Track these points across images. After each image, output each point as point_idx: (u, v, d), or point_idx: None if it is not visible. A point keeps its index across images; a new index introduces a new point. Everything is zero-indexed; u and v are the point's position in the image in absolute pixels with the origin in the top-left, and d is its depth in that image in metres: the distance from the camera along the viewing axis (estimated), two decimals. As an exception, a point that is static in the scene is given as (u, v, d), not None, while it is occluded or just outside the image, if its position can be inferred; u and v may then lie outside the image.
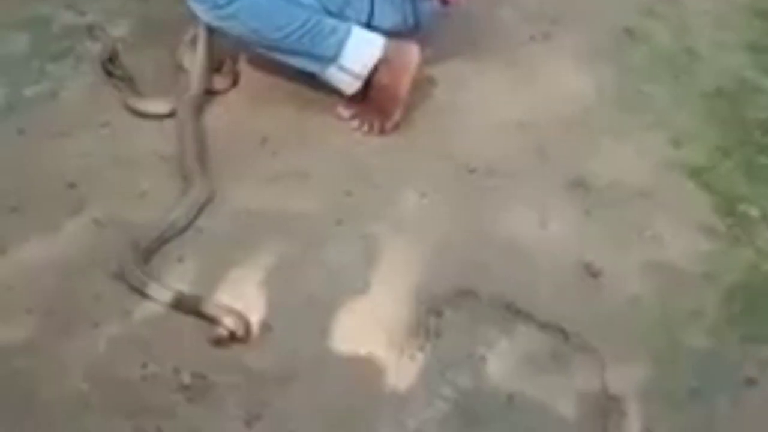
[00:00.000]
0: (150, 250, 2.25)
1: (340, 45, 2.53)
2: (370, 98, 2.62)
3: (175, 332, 2.10)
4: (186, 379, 2.01)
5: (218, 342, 2.06)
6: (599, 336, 2.19)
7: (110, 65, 2.69)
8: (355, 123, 2.63)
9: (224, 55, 2.72)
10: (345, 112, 2.64)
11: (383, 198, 2.46)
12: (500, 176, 2.55)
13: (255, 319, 2.13)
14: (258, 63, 2.72)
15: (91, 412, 1.95)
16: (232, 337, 2.06)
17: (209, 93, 2.65)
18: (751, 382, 2.17)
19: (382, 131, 2.62)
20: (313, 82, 2.63)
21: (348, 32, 2.53)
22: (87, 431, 1.92)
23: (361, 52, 2.55)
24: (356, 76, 2.57)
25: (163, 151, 2.50)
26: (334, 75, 2.57)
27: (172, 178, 2.43)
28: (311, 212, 2.40)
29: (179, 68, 2.66)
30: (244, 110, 2.65)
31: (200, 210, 2.35)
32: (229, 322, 2.07)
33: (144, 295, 2.15)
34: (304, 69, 2.58)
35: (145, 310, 2.14)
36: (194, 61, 2.61)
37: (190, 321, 2.12)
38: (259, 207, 2.38)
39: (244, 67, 2.75)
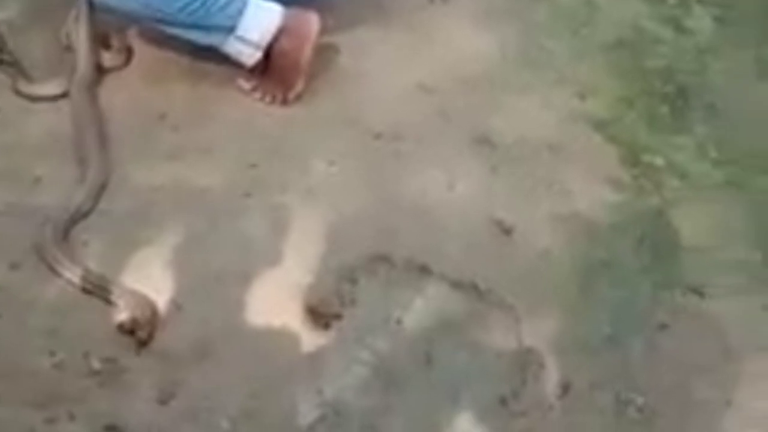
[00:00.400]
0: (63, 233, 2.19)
1: (238, 15, 2.47)
2: (271, 68, 2.57)
3: (82, 318, 2.04)
4: (96, 364, 1.96)
5: (121, 329, 2.01)
6: (513, 291, 2.20)
7: None
8: (257, 94, 2.58)
9: (113, 31, 2.64)
10: (246, 84, 2.60)
11: (290, 168, 2.43)
12: (406, 140, 2.54)
13: (164, 298, 2.08)
14: (150, 37, 2.64)
15: (1, 405, 1.89)
16: (133, 327, 2.01)
17: (101, 71, 2.58)
18: (663, 327, 2.20)
19: (285, 101, 2.58)
20: (211, 54, 2.57)
21: (245, 2, 2.48)
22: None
23: (259, 21, 2.50)
24: (256, 47, 2.52)
25: (56, 135, 2.41)
26: (233, 46, 2.52)
27: (67, 162, 2.35)
28: (217, 187, 2.35)
29: (67, 48, 2.57)
30: (139, 87, 2.57)
31: (101, 191, 2.29)
32: (127, 315, 2.01)
33: (58, 275, 2.10)
34: (201, 42, 2.52)
35: (50, 298, 2.08)
36: (78, 39, 2.53)
37: (97, 306, 2.06)
38: (163, 184, 2.32)
39: (136, 42, 2.67)
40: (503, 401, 2.04)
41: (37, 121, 2.46)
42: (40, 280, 2.10)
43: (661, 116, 2.72)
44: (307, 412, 1.96)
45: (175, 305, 2.08)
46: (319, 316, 2.12)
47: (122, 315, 2.01)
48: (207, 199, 2.31)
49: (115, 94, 2.55)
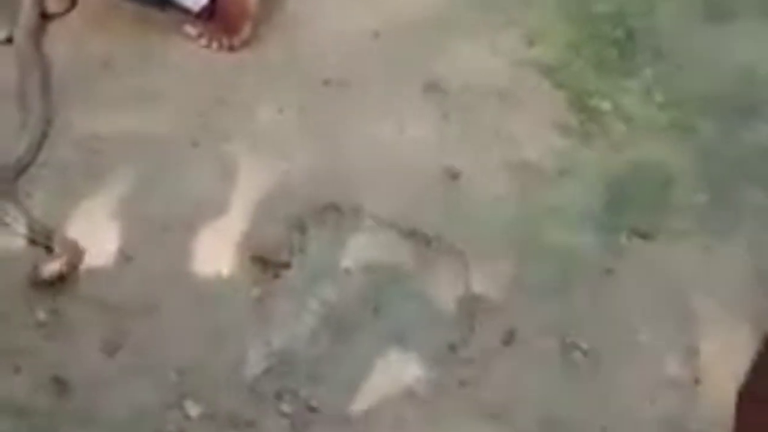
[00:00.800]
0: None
1: None
2: (218, 14, 2.53)
3: (26, 272, 2.02)
4: (41, 316, 1.95)
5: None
6: (461, 238, 2.21)
7: None
8: (203, 41, 2.54)
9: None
10: (192, 30, 2.55)
11: (238, 116, 2.40)
12: (355, 86, 2.52)
13: (111, 249, 2.07)
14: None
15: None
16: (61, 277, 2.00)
17: (45, 17, 2.52)
18: (609, 271, 2.22)
19: (231, 48, 2.54)
20: (157, 1, 2.53)
21: None
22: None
23: None
24: None
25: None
26: None
27: (8, 108, 2.32)
28: (163, 135, 2.32)
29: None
30: (84, 33, 2.52)
31: (43, 140, 2.25)
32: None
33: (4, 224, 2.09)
34: None
35: (-7, 250, 2.06)
36: None
37: (41, 257, 2.04)
38: (108, 133, 2.29)
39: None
40: (451, 348, 2.06)
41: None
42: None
43: (609, 61, 2.71)
44: (255, 363, 1.97)
45: (123, 256, 2.07)
46: (267, 265, 2.12)
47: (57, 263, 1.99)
48: (153, 148, 2.29)
49: (59, 40, 2.50)
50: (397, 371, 2.02)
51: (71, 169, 2.22)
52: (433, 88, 2.54)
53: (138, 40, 2.52)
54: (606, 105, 2.57)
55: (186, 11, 2.52)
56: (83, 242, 2.07)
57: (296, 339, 2.01)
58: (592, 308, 2.15)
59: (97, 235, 2.09)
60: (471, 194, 2.32)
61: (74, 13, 2.58)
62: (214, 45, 2.54)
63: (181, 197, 2.20)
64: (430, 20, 2.73)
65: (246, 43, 2.55)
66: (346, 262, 2.15)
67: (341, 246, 2.18)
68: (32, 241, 2.07)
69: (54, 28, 2.54)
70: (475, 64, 2.62)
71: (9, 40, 2.46)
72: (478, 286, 2.15)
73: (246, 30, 2.54)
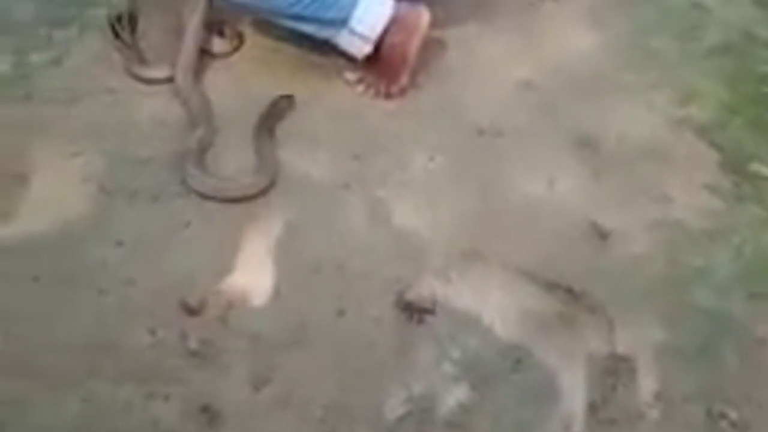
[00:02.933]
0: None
1: (351, 8, 2.49)
2: (378, 61, 2.59)
3: (181, 300, 2.09)
4: (193, 344, 2.01)
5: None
6: (607, 296, 2.19)
7: (118, 25, 2.67)
8: (361, 87, 2.61)
9: (228, 18, 2.69)
10: (352, 76, 2.62)
11: (391, 162, 2.45)
12: (508, 137, 2.54)
13: (264, 284, 2.13)
14: (263, 27, 2.70)
15: (101, 378, 1.96)
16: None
17: (210, 56, 2.64)
18: (761, 341, 2.16)
19: (389, 95, 2.60)
20: (320, 45, 2.61)
21: None
22: (97, 398, 1.93)
23: (371, 14, 2.52)
24: (366, 39, 2.54)
25: (165, 118, 2.48)
26: (344, 39, 2.55)
27: (174, 145, 2.41)
28: (318, 177, 2.38)
29: (182, 33, 2.63)
30: (247, 74, 2.62)
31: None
32: None
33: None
34: (314, 35, 2.55)
35: (150, 277, 2.13)
36: (189, 24, 2.59)
37: (196, 288, 2.11)
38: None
39: (248, 31, 2.73)
40: (593, 407, 2.03)
41: (149, 103, 2.52)
42: (142, 259, 2.16)
43: (767, 123, 2.66)
44: (396, 407, 1.98)
45: (274, 291, 2.13)
46: (412, 310, 2.14)
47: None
48: (307, 189, 2.35)
49: (222, 80, 2.61)
50: (536, 427, 2.00)
51: (230, 204, 2.30)
52: (585, 142, 2.55)
53: (299, 84, 2.60)
54: (763, 168, 2.52)
55: (349, 57, 2.58)
56: (238, 274, 2.14)
57: (436, 386, 2.02)
58: (741, 377, 2.09)
59: (250, 268, 2.16)
60: (618, 252, 2.30)
61: (239, 55, 2.69)
62: (372, 92, 2.60)
63: (331, 238, 2.25)
64: (585, 74, 2.75)
65: (403, 92, 2.60)
66: (490, 311, 2.15)
67: (485, 295, 2.19)
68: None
69: (217, 68, 2.65)
70: (629, 121, 2.62)
71: (170, 80, 2.57)
72: (623, 345, 2.12)
73: (404, 78, 2.59)
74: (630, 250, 2.31)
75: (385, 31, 2.54)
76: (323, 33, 2.54)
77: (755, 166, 2.54)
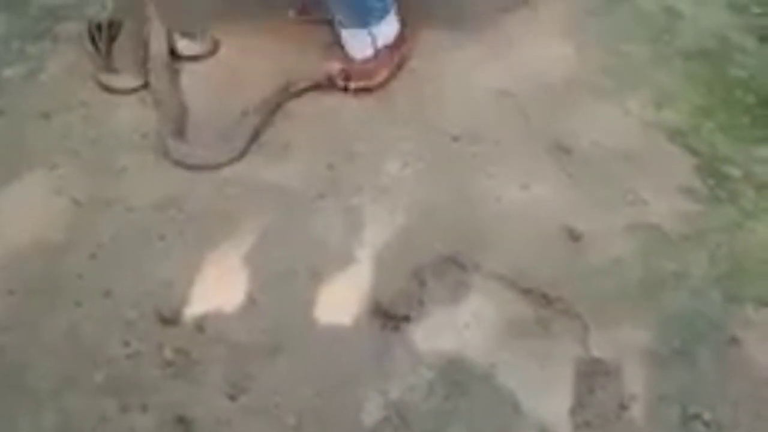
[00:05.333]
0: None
1: (383, 13, 2.59)
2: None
3: (159, 310, 2.10)
4: (169, 355, 2.01)
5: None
6: (582, 299, 2.20)
7: (97, 34, 2.67)
8: (341, 80, 2.63)
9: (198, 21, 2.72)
10: (335, 67, 2.64)
11: (365, 169, 2.46)
12: (483, 143, 2.54)
13: (240, 292, 2.14)
14: (236, 31, 2.71)
15: (77, 390, 1.96)
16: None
17: (181, 59, 2.66)
18: (734, 340, 2.17)
19: (367, 89, 2.64)
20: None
21: (390, 3, 2.61)
22: (74, 410, 1.93)
23: (390, 28, 2.64)
24: (374, 47, 2.62)
25: (141, 129, 2.49)
26: (358, 36, 2.60)
27: (151, 154, 2.42)
28: (293, 186, 2.39)
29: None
30: (222, 81, 2.63)
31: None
32: None
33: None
34: (343, 18, 2.61)
35: (125, 289, 2.14)
36: (151, 29, 2.61)
37: (171, 299, 2.12)
38: (239, 180, 2.39)
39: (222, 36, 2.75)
40: (569, 411, 2.03)
41: (122, 114, 2.53)
42: (117, 271, 2.17)
43: (741, 127, 2.67)
44: (372, 412, 1.99)
45: (250, 299, 2.13)
46: (387, 316, 2.14)
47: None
48: (282, 198, 2.36)
49: (197, 90, 2.60)
50: (512, 431, 2.01)
51: (204, 213, 2.31)
52: (560, 147, 2.55)
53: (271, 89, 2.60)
54: (736, 171, 2.53)
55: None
56: (213, 284, 2.14)
57: (413, 392, 2.02)
58: (716, 377, 2.10)
59: (225, 278, 2.16)
60: (593, 256, 2.31)
61: (213, 63, 2.70)
62: (352, 85, 2.62)
63: (307, 247, 2.26)
64: (559, 79, 2.75)
65: (380, 86, 2.64)
66: (465, 317, 2.16)
67: (460, 301, 2.19)
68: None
69: (192, 78, 2.65)
70: (604, 126, 2.62)
71: (144, 86, 2.58)
72: (597, 349, 2.13)
73: (384, 74, 2.64)
74: (605, 253, 2.31)
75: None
76: (355, 20, 2.60)
77: (729, 169, 2.55)
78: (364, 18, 2.59)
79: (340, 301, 2.16)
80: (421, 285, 2.21)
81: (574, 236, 2.33)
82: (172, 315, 2.08)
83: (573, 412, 2.03)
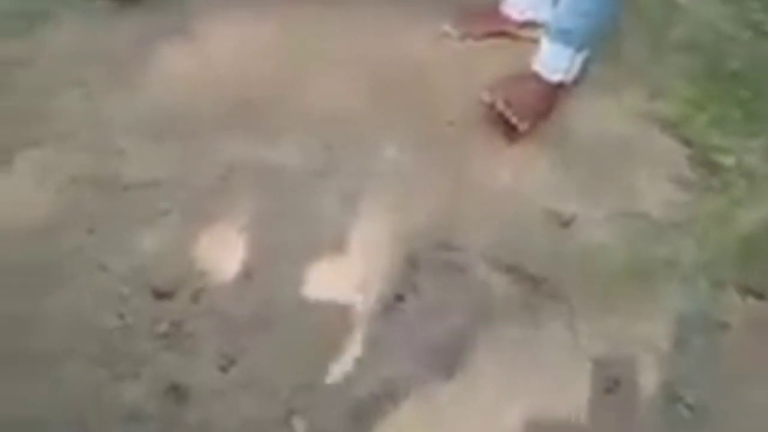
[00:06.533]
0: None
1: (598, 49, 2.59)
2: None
3: (153, 282, 2.13)
4: (163, 327, 2.05)
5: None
6: (569, 283, 2.23)
7: None
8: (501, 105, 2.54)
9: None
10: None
11: (362, 153, 2.49)
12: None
13: (236, 265, 2.18)
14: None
15: (73, 361, 1.99)
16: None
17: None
18: (723, 326, 2.20)
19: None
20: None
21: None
22: (69, 380, 1.96)
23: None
24: (569, 75, 2.59)
25: (137, 111, 2.52)
26: (567, 53, 2.55)
27: (149, 137, 2.45)
28: (291, 166, 2.42)
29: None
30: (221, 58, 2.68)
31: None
32: None
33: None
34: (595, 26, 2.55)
35: (122, 264, 2.17)
36: None
37: (169, 275, 2.15)
38: (240, 161, 2.41)
39: (220, 24, 2.78)
40: (553, 392, 2.06)
41: (122, 96, 2.55)
42: (114, 246, 2.20)
43: (733, 119, 2.70)
44: (363, 389, 2.02)
45: (245, 274, 2.17)
46: (380, 296, 2.17)
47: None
48: (280, 178, 2.39)
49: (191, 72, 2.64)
50: (501, 411, 2.03)
51: (205, 190, 2.34)
52: (554, 135, 2.58)
53: (273, 75, 2.65)
54: (728, 161, 2.56)
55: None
56: (208, 260, 2.18)
57: (404, 370, 2.05)
58: (702, 362, 2.13)
59: (221, 253, 2.20)
60: (582, 241, 2.34)
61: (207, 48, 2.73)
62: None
63: (304, 225, 2.29)
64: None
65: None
66: (456, 299, 2.19)
67: (452, 283, 2.22)
68: None
69: (190, 62, 2.68)
70: (597, 116, 2.66)
71: None
72: (583, 331, 2.16)
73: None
74: (594, 239, 2.35)
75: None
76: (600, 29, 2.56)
77: (721, 160, 2.58)
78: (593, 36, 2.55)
79: (334, 279, 2.20)
80: (413, 268, 2.24)
81: (564, 221, 2.37)
82: (166, 289, 2.11)
83: (557, 393, 2.06)
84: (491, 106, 2.55)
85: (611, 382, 2.09)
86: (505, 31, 2.83)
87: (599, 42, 2.60)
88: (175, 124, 2.49)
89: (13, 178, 2.34)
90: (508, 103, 2.53)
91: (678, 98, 2.73)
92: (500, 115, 2.53)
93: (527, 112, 2.54)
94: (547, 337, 2.15)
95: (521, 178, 2.46)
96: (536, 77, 2.59)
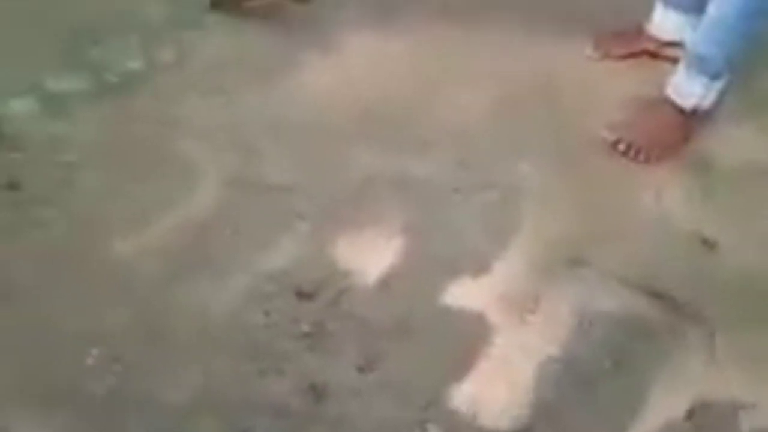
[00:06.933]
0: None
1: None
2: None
3: (295, 286, 2.20)
4: (305, 327, 2.10)
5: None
6: (711, 306, 2.21)
7: None
8: (622, 147, 2.57)
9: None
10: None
11: (498, 166, 2.52)
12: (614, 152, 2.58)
13: (376, 274, 2.23)
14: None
15: (220, 353, 2.06)
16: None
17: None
18: None
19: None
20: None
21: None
22: (217, 372, 2.04)
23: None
24: (709, 102, 2.57)
25: (283, 116, 2.60)
26: (703, 83, 2.54)
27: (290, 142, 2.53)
28: (428, 180, 2.47)
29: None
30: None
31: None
32: None
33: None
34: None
35: (267, 264, 2.24)
36: None
37: (310, 275, 2.21)
38: (394, 174, 2.48)
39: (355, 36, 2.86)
40: (689, 414, 2.05)
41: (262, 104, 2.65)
42: (259, 247, 2.27)
43: None
44: (494, 399, 2.03)
45: (384, 282, 2.21)
46: (513, 309, 2.19)
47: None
48: (418, 191, 2.43)
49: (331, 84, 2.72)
50: (633, 428, 2.03)
51: (345, 199, 2.40)
52: (695, 163, 2.57)
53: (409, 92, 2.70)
54: None
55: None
56: (349, 265, 2.23)
57: (539, 381, 2.07)
58: None
59: (361, 259, 2.25)
60: (726, 266, 2.32)
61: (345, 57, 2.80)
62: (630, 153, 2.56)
63: (440, 237, 2.33)
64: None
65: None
66: (592, 314, 2.20)
67: (588, 299, 2.23)
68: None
69: (330, 74, 2.76)
70: (742, 143, 2.64)
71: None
72: (723, 356, 2.14)
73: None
74: (738, 264, 2.33)
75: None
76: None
77: None
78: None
79: (470, 290, 2.23)
80: (549, 282, 2.25)
81: (708, 245, 2.36)
82: (309, 290, 2.17)
83: (694, 414, 2.05)
84: (613, 146, 2.56)
85: (750, 406, 2.06)
86: (646, 49, 2.83)
87: (736, 71, 2.57)
88: (310, 134, 2.56)
89: (168, 182, 2.42)
90: (629, 145, 2.54)
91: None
92: (623, 154, 2.55)
93: (654, 146, 2.55)
94: (685, 357, 2.14)
95: (662, 202, 2.46)
96: (668, 103, 2.58)
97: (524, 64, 2.79)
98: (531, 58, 2.81)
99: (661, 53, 2.80)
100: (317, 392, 2.00)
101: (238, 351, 2.06)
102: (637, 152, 2.55)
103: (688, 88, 2.55)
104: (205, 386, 2.00)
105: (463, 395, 2.03)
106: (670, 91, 2.57)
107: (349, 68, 2.77)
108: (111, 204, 2.35)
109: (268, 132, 2.55)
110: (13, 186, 2.36)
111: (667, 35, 2.78)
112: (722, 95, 2.57)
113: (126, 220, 2.31)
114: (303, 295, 2.16)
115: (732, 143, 2.63)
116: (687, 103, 2.56)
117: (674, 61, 2.64)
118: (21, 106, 2.56)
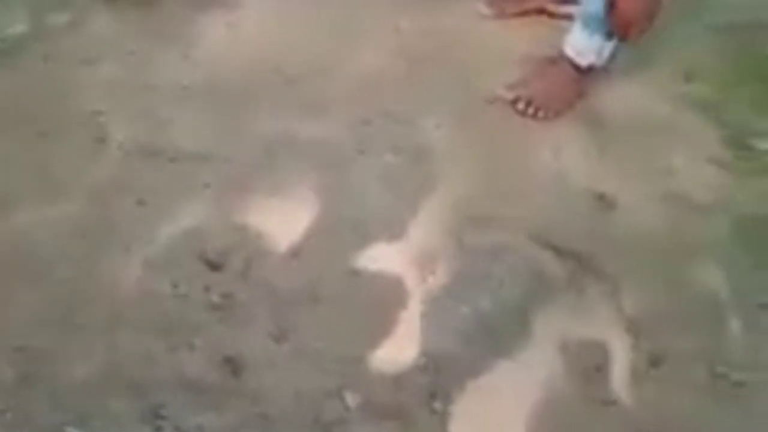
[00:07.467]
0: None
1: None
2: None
3: (202, 254, 2.16)
4: (215, 298, 2.07)
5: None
6: (613, 262, 2.25)
7: None
8: (520, 105, 2.59)
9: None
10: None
11: (401, 129, 2.51)
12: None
13: (284, 243, 2.20)
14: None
15: (129, 328, 2.02)
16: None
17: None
18: (763, 306, 2.23)
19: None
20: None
21: None
22: (123, 347, 1.99)
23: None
24: (604, 59, 2.57)
25: (185, 81, 2.54)
26: (598, 42, 2.53)
27: (199, 108, 2.47)
28: (333, 141, 2.45)
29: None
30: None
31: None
32: None
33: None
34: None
35: (172, 234, 2.19)
36: None
37: (216, 245, 2.17)
38: (282, 136, 2.44)
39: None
40: (598, 368, 2.09)
41: (168, 65, 2.57)
42: (165, 216, 2.22)
43: (769, 102, 2.73)
44: (411, 360, 2.04)
45: (294, 249, 2.19)
46: (424, 269, 2.20)
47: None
48: (323, 153, 2.41)
49: (236, 46, 2.66)
50: (545, 383, 2.06)
51: (247, 166, 2.36)
52: (591, 120, 2.60)
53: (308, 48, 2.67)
54: (765, 144, 2.58)
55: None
56: (258, 232, 2.20)
57: (449, 341, 2.08)
58: (744, 340, 2.15)
59: (270, 226, 2.22)
60: (623, 222, 2.36)
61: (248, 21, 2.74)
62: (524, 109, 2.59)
63: (349, 201, 2.32)
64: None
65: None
66: (499, 272, 2.22)
67: (495, 257, 2.25)
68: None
69: (231, 34, 2.70)
70: (634, 98, 2.67)
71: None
72: (627, 309, 2.19)
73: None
74: (635, 220, 2.37)
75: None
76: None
77: (757, 142, 2.60)
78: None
79: (380, 254, 2.22)
80: (457, 241, 2.26)
81: (606, 202, 2.39)
82: (218, 260, 2.13)
83: (602, 369, 2.09)
84: (511, 104, 2.59)
85: (655, 358, 2.11)
86: (542, 7, 2.84)
87: None
88: (214, 99, 2.52)
89: (59, 147, 2.35)
90: (528, 102, 2.57)
91: (714, 80, 2.75)
92: (521, 112, 2.57)
93: (551, 103, 2.58)
94: (590, 312, 2.18)
95: (560, 159, 2.49)
96: (565, 60, 2.60)
97: (423, 23, 2.79)
98: (431, 17, 2.80)
99: (555, 11, 2.82)
100: (233, 365, 1.98)
101: (148, 325, 2.02)
102: (536, 110, 2.58)
103: (585, 47, 2.57)
104: (115, 363, 1.96)
105: (380, 361, 2.03)
106: (568, 50, 2.59)
107: (251, 28, 2.73)
108: (8, 174, 2.28)
109: (171, 98, 2.50)
110: None
111: None
112: (616, 52, 2.59)
113: (26, 190, 2.24)
114: (212, 265, 2.13)
115: (627, 98, 2.67)
116: (584, 61, 2.58)
117: (569, 18, 2.66)
118: None
